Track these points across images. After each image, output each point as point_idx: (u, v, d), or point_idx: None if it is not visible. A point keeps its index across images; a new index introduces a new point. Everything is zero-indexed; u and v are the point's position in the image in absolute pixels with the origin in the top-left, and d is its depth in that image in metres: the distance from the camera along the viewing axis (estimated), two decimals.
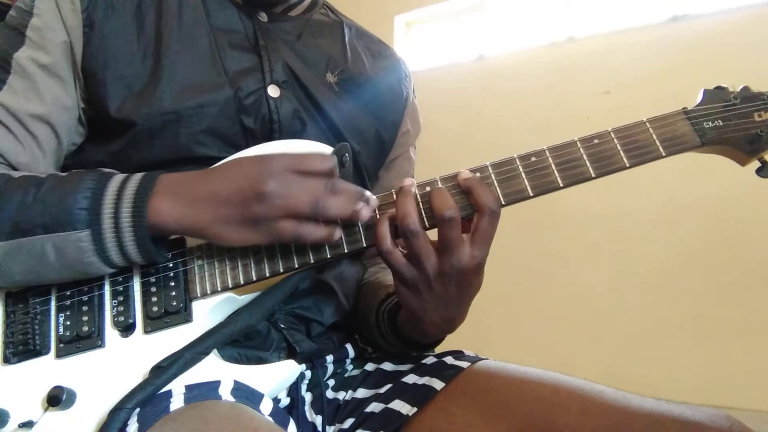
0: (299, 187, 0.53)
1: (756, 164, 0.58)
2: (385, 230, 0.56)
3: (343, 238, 0.59)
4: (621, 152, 0.56)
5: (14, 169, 0.62)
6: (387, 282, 0.73)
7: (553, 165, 0.57)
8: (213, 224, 0.54)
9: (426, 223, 0.57)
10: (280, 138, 0.68)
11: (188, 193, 0.54)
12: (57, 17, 0.64)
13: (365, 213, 0.56)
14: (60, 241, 0.53)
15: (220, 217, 0.54)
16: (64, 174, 0.57)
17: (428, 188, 0.58)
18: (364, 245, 0.59)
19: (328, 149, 0.66)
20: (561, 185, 0.57)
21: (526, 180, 0.57)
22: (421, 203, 0.57)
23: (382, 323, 0.69)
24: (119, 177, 0.56)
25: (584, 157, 0.57)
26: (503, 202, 0.57)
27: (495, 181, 0.57)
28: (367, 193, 0.57)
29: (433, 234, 0.57)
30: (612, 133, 0.57)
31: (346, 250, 0.59)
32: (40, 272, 0.55)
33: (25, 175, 0.58)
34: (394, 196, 0.58)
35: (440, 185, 0.58)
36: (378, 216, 0.58)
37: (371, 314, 0.71)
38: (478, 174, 0.58)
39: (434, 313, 0.59)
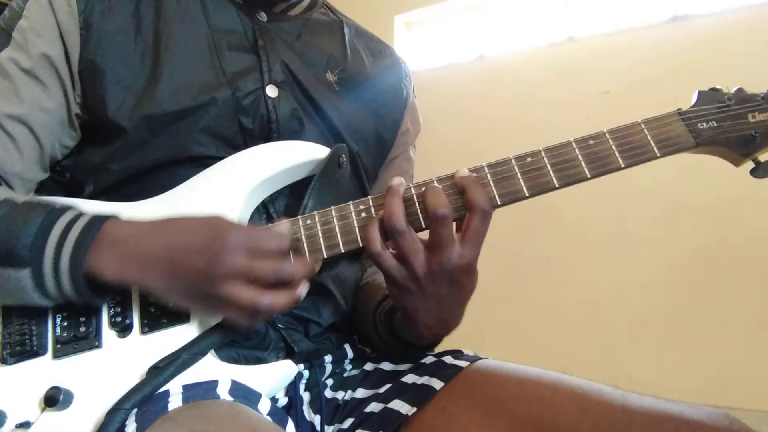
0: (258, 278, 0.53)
1: (750, 165, 0.58)
2: (374, 232, 0.56)
3: (339, 238, 0.59)
4: (616, 153, 0.57)
5: None
6: (384, 284, 0.72)
7: (548, 165, 0.57)
8: (159, 285, 0.54)
9: (422, 222, 0.57)
10: (278, 138, 0.68)
11: (135, 252, 0.53)
12: (49, 21, 0.64)
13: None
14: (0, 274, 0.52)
15: (170, 283, 0.53)
16: (20, 201, 0.56)
17: (424, 188, 0.58)
18: (360, 245, 0.59)
19: (325, 150, 0.67)
20: (557, 185, 0.57)
21: (522, 180, 0.57)
22: (416, 203, 0.57)
23: (380, 325, 0.69)
24: (67, 216, 0.55)
25: (579, 157, 0.57)
26: (499, 203, 0.57)
27: (491, 182, 0.58)
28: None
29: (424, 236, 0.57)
30: (607, 134, 0.57)
31: (342, 251, 0.59)
32: None
33: None
34: None
35: (436, 184, 0.58)
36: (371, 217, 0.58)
37: (368, 316, 0.71)
38: (474, 174, 0.58)
39: (427, 315, 0.59)
